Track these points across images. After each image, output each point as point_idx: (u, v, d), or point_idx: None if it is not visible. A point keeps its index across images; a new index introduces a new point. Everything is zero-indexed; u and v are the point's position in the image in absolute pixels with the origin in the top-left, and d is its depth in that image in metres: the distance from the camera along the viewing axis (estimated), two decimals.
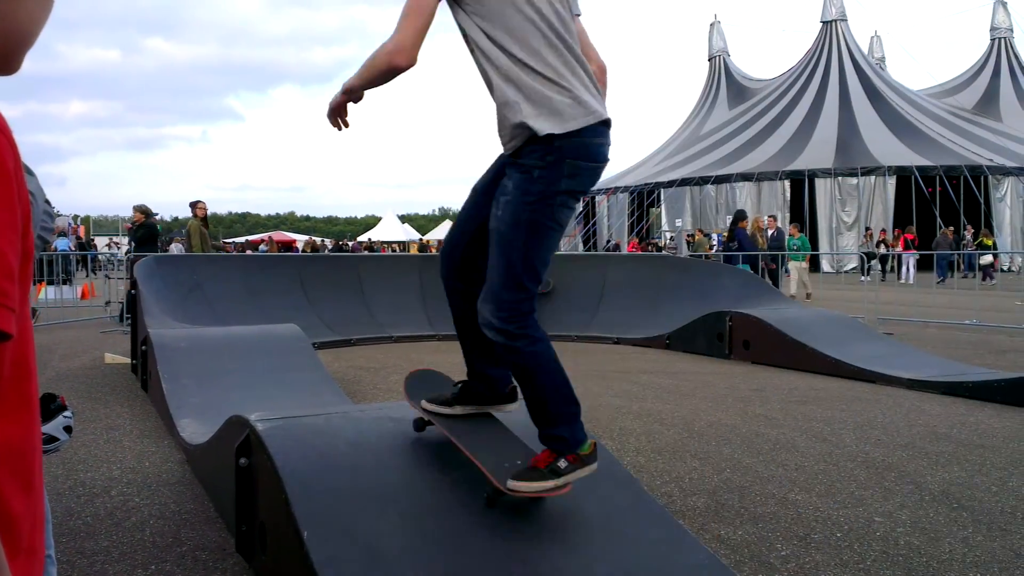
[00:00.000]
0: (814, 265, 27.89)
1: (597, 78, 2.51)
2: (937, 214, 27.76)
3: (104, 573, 3.03)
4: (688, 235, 26.38)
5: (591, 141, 2.38)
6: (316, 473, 2.68)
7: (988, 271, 20.55)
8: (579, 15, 2.57)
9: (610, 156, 2.45)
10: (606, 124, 2.42)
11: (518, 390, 2.57)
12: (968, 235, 26.37)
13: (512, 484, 2.42)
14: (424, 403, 2.81)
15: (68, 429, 2.26)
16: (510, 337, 2.38)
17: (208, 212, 13.37)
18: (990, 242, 24.53)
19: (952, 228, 25.26)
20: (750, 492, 3.99)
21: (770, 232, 17.03)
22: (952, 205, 28.30)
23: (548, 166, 2.34)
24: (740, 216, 15.20)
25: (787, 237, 17.23)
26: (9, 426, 0.71)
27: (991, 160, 30.00)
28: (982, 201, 28.61)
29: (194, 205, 12.65)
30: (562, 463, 2.43)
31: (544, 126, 2.33)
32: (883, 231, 27.25)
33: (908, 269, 23.06)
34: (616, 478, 2.94)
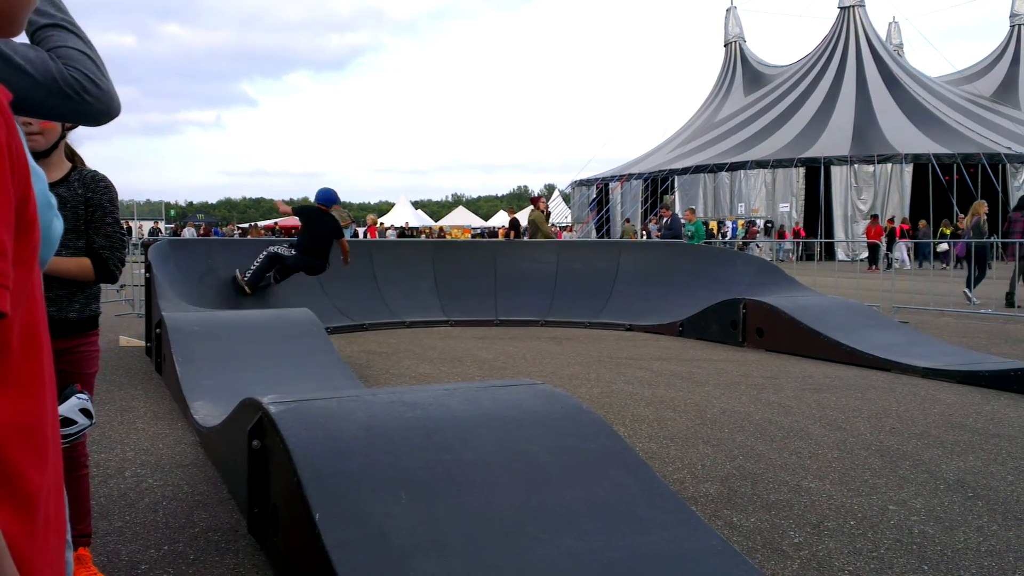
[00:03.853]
0: (829, 253, 27.76)
1: None
2: (954, 202, 27.50)
3: (117, 553, 3.05)
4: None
5: None
6: (328, 456, 2.68)
7: (944, 258, 21.50)
8: None
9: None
10: None
11: None
12: (922, 227, 27.01)
13: None
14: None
15: (86, 412, 2.25)
16: None
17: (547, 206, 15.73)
18: (949, 231, 24.92)
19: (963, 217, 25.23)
20: (763, 479, 3.97)
21: (664, 220, 16.37)
22: (969, 193, 28.03)
23: None
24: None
25: (683, 224, 16.52)
26: (21, 401, 0.71)
27: (1009, 148, 29.68)
28: (1000, 189, 28.30)
29: (535, 200, 14.83)
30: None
31: None
32: (874, 218, 27.27)
33: (903, 257, 23.89)
34: (628, 464, 2.93)
